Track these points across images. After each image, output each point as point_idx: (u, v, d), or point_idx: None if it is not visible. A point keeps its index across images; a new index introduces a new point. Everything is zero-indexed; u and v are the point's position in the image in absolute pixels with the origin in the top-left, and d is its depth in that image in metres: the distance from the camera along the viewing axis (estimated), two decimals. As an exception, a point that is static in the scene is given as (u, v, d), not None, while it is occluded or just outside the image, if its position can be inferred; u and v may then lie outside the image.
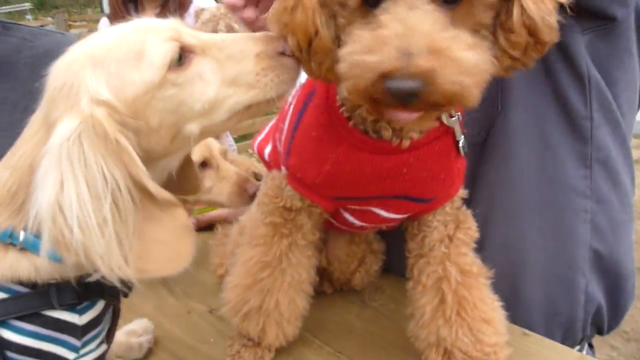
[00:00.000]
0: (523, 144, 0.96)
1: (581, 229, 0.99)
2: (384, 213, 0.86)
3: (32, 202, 0.59)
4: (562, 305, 1.02)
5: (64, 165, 0.57)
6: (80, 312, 0.70)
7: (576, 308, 1.02)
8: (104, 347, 0.76)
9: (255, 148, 1.10)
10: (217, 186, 1.19)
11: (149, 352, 1.01)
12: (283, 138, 0.90)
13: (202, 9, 2.59)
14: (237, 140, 3.54)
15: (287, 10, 0.63)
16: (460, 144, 0.80)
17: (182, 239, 0.65)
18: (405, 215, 0.88)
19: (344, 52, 0.59)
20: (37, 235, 0.62)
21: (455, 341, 0.80)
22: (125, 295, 0.80)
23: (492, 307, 0.83)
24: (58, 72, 0.64)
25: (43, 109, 0.66)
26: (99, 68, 0.62)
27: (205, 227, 1.50)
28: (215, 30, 2.43)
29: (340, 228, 0.95)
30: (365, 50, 0.56)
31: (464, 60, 0.54)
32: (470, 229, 0.86)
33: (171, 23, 0.69)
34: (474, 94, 0.56)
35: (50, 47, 1.38)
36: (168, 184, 0.72)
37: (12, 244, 0.65)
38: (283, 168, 0.94)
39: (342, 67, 0.58)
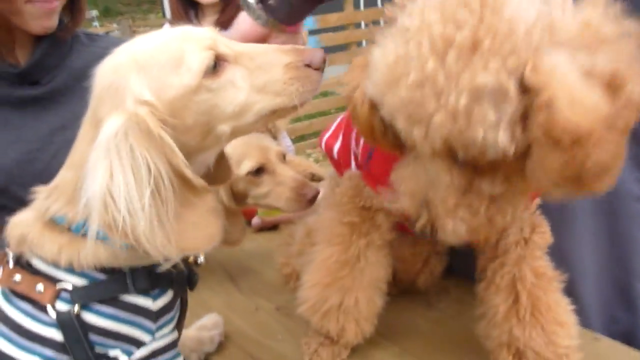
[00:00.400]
0: None
1: (638, 234, 0.96)
2: None
3: (83, 191, 0.64)
4: (620, 312, 1.00)
5: (113, 157, 0.63)
6: (154, 298, 0.75)
7: (636, 314, 0.99)
8: (176, 333, 0.80)
9: (322, 145, 1.11)
10: (274, 191, 1.17)
11: (220, 346, 1.03)
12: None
13: None
14: (295, 140, 3.58)
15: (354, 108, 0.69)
16: None
17: (211, 220, 0.71)
18: None
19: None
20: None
21: (528, 341, 0.79)
22: (191, 288, 0.85)
23: (565, 310, 0.82)
24: (104, 74, 0.72)
25: (91, 108, 0.72)
26: (142, 72, 0.69)
27: (270, 227, 1.53)
28: None
29: (410, 231, 0.95)
30: (398, 194, 0.64)
31: (465, 221, 0.60)
32: (545, 233, 0.85)
33: (208, 32, 0.74)
34: (483, 239, 0.64)
35: None
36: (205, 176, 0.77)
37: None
38: (353, 166, 0.94)
39: None
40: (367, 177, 0.87)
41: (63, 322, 0.70)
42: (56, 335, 0.70)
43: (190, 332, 1.03)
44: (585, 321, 0.92)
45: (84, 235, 0.69)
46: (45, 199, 0.73)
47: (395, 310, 1.06)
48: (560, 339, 0.80)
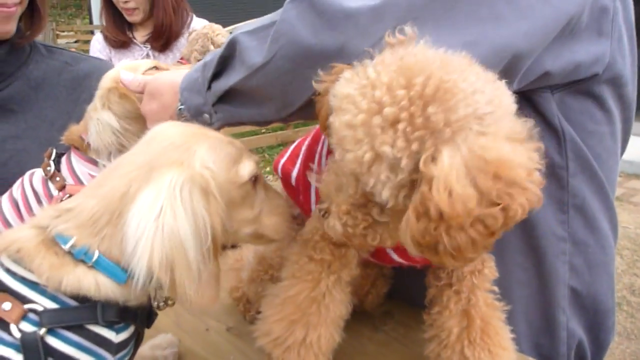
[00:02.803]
0: None
1: (560, 270, 1.06)
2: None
3: (129, 225, 0.70)
4: (543, 339, 1.10)
5: (178, 201, 0.72)
6: (117, 331, 0.78)
7: (558, 343, 1.09)
8: None
9: (278, 171, 1.12)
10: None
11: (174, 368, 1.05)
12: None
13: (193, 30, 2.74)
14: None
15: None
16: None
17: (216, 283, 0.81)
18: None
19: None
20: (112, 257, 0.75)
21: None
22: (149, 326, 0.89)
23: (508, 337, 0.91)
24: (173, 135, 0.81)
25: (143, 155, 0.79)
26: (211, 150, 0.80)
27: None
28: (202, 48, 2.57)
29: (372, 261, 1.01)
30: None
31: (344, 226, 0.76)
32: (492, 268, 0.93)
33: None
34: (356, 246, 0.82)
35: (89, 71, 1.48)
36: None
37: (83, 261, 0.74)
38: (313, 196, 0.99)
39: None
40: None
41: (26, 343, 0.71)
42: (13, 356, 0.71)
43: (144, 351, 1.04)
44: (515, 345, 1.02)
45: (81, 261, 0.73)
46: (53, 217, 0.76)
47: (344, 333, 1.11)
48: None
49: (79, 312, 0.74)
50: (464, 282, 0.90)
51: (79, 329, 0.74)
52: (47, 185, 1.26)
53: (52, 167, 1.26)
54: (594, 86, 1.00)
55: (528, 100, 0.98)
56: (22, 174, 1.31)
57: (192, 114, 0.98)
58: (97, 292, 0.74)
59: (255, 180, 0.87)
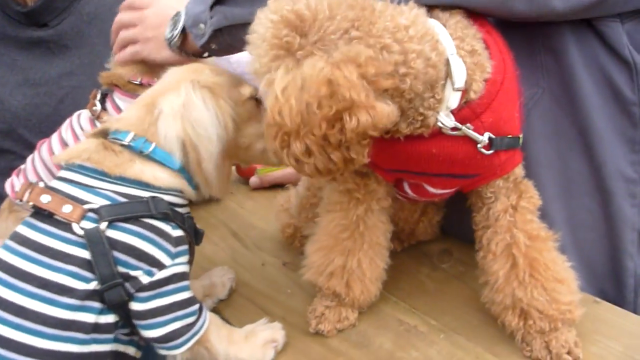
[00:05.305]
0: (569, 126, 1.02)
1: (629, 213, 1.04)
2: (431, 189, 0.96)
3: (162, 116, 0.90)
4: (608, 286, 1.09)
5: (194, 97, 0.90)
6: (172, 227, 0.87)
7: (624, 290, 1.08)
8: (189, 267, 0.91)
9: None
10: None
11: (231, 299, 1.13)
12: None
13: None
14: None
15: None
16: (479, 147, 0.84)
17: (228, 179, 1.01)
18: (452, 190, 0.97)
19: None
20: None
21: (531, 301, 0.88)
22: (197, 242, 0.97)
23: (563, 268, 0.91)
24: (182, 68, 0.98)
25: (162, 82, 0.97)
26: (215, 72, 0.97)
27: (268, 187, 1.60)
28: None
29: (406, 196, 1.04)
30: None
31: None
32: (533, 197, 0.93)
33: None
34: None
35: None
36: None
37: (140, 154, 0.88)
38: None
39: None
40: None
41: (90, 238, 0.80)
42: (80, 252, 0.81)
43: (202, 280, 1.13)
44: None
45: (138, 154, 0.88)
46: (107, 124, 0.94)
47: (402, 271, 1.15)
48: (562, 295, 0.88)
49: (133, 206, 0.85)
50: (498, 222, 0.91)
51: (135, 221, 0.84)
52: (95, 125, 1.34)
53: (99, 107, 1.33)
54: None
55: (595, 31, 0.96)
56: (78, 110, 1.38)
57: (190, 24, 1.10)
58: (155, 181, 0.88)
59: (258, 101, 1.00)
